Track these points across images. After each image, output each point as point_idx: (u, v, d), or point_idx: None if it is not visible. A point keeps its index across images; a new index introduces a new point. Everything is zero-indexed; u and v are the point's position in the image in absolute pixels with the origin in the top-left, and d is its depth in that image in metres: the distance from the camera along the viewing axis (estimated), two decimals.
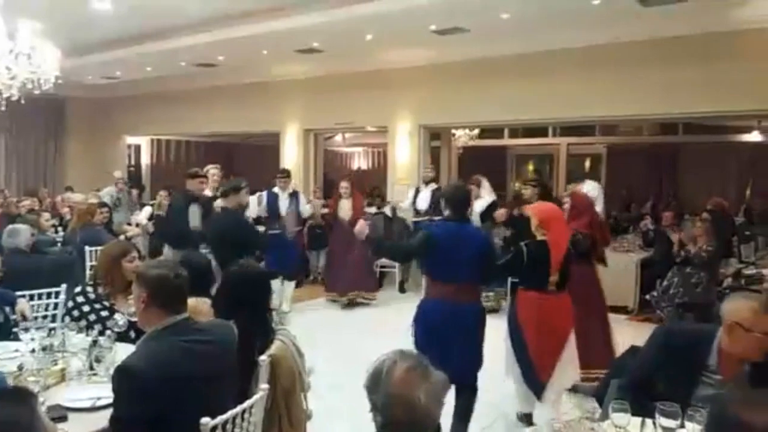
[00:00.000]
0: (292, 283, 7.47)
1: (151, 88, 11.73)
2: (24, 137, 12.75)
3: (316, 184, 10.76)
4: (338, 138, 15.41)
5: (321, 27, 7.44)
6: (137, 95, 12.31)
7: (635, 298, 7.37)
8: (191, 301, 3.02)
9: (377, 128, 10.54)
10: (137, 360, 2.22)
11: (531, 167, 14.96)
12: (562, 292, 4.09)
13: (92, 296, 3.45)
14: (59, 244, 6.53)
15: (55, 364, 2.85)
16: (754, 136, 11.95)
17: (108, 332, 3.07)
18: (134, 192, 10.09)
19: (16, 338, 3.26)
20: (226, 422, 2.29)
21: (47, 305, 4.21)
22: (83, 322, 3.29)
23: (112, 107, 13.09)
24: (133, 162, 14.44)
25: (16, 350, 3.07)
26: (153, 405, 2.14)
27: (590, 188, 5.68)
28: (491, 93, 8.50)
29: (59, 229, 7.64)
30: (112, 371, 2.64)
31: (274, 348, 2.82)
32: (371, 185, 10.66)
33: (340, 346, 5.91)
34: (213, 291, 3.29)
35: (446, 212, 4.00)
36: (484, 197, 7.20)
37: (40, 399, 1.89)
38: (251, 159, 14.80)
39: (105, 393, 2.45)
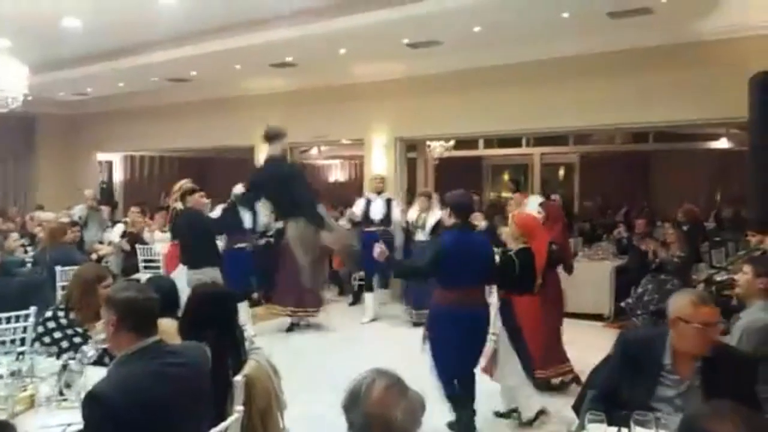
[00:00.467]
0: (244, 304, 6.74)
1: (123, 104, 11.62)
2: None
3: None
4: (314, 151, 15.39)
5: (295, 41, 7.44)
6: (109, 111, 12.18)
7: (610, 305, 7.44)
8: (159, 323, 2.99)
9: (353, 141, 10.55)
10: (107, 386, 2.16)
11: (506, 177, 15.10)
12: (536, 295, 4.53)
13: (64, 321, 3.32)
14: (29, 264, 6.39)
15: (24, 390, 2.78)
16: (723, 143, 12.19)
17: (79, 356, 3.00)
18: (105, 209, 9.92)
19: None
20: None
21: (15, 329, 4.10)
22: (54, 349, 3.20)
23: (84, 124, 12.93)
24: (105, 179, 14.25)
25: None
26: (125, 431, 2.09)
27: (533, 202, 5.89)
28: (465, 104, 8.57)
29: (29, 248, 7.48)
30: (83, 396, 2.59)
31: (249, 368, 2.79)
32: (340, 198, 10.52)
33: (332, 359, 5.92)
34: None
35: (451, 220, 4.14)
36: (434, 211, 7.29)
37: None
38: (226, 174, 14.65)
39: (76, 419, 2.38)
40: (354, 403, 1.70)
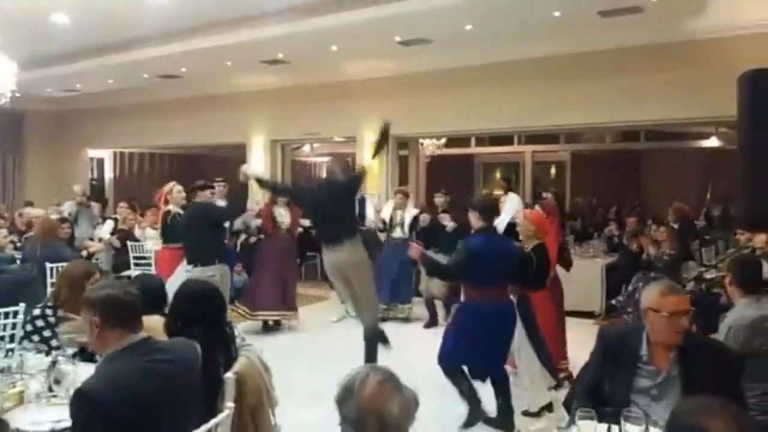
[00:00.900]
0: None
1: (113, 101, 11.56)
2: None
3: None
4: (306, 148, 15.37)
5: (286, 38, 7.43)
6: (99, 108, 12.11)
7: (601, 302, 7.47)
8: (145, 320, 2.97)
9: (345, 138, 10.54)
10: (96, 383, 2.14)
11: (498, 175, 15.13)
12: (547, 290, 4.78)
13: (53, 319, 3.29)
14: (18, 261, 6.35)
15: (13, 387, 2.76)
16: (713, 142, 12.27)
17: (69, 352, 2.98)
18: (95, 206, 9.87)
19: None
20: None
21: (4, 325, 4.07)
22: (44, 347, 3.17)
23: (73, 120, 12.85)
24: (95, 175, 14.17)
25: None
26: (115, 430, 2.07)
27: (513, 200, 5.96)
28: (457, 103, 8.59)
29: (18, 245, 7.43)
30: (71, 393, 2.58)
31: (240, 365, 2.78)
32: None
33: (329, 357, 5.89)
34: None
35: (479, 223, 4.25)
36: (410, 209, 7.49)
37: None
38: (217, 171, 14.61)
39: (65, 415, 2.36)
40: (348, 397, 1.71)
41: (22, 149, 13.05)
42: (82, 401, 2.08)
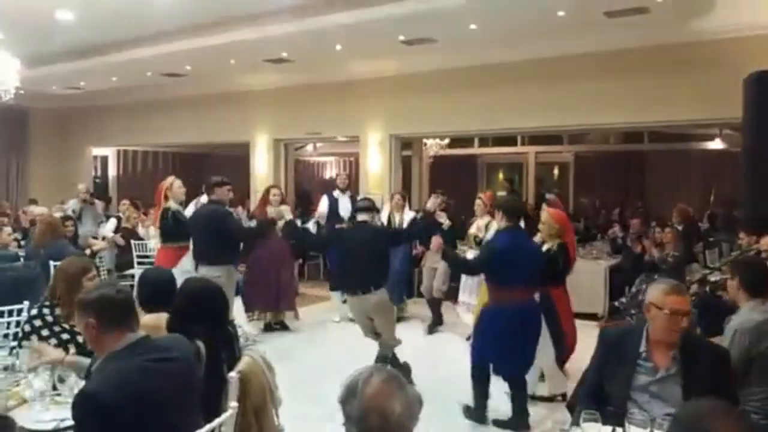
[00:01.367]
0: (237, 300, 6.65)
1: (117, 99, 11.56)
2: None
3: (288, 196, 10.64)
4: (309, 147, 15.37)
5: (290, 37, 7.42)
6: (103, 105, 12.11)
7: (605, 304, 7.46)
8: (152, 317, 2.97)
9: (348, 138, 10.54)
10: (98, 385, 2.12)
11: (501, 175, 15.12)
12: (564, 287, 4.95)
13: (50, 319, 3.25)
14: (22, 259, 6.35)
15: (17, 385, 2.76)
16: (717, 144, 12.24)
17: (72, 350, 2.98)
18: (99, 204, 9.88)
19: None
20: None
21: (8, 323, 4.07)
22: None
23: (77, 118, 12.86)
24: (99, 173, 14.18)
25: None
26: (118, 430, 2.06)
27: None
28: (460, 103, 8.58)
29: (22, 242, 7.44)
30: (76, 391, 2.57)
31: (243, 364, 2.78)
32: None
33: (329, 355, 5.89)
34: None
35: (503, 223, 4.32)
36: (407, 211, 7.59)
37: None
38: (221, 169, 14.58)
39: (69, 414, 2.37)
40: (351, 396, 1.71)
41: (27, 147, 13.06)
42: (84, 403, 2.07)
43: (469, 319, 6.23)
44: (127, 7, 6.78)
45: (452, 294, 7.08)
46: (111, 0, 6.53)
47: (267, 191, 7.24)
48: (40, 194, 11.42)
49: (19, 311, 4.10)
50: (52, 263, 6.01)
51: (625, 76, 7.38)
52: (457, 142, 13.01)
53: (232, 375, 2.67)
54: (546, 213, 5.00)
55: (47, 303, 3.34)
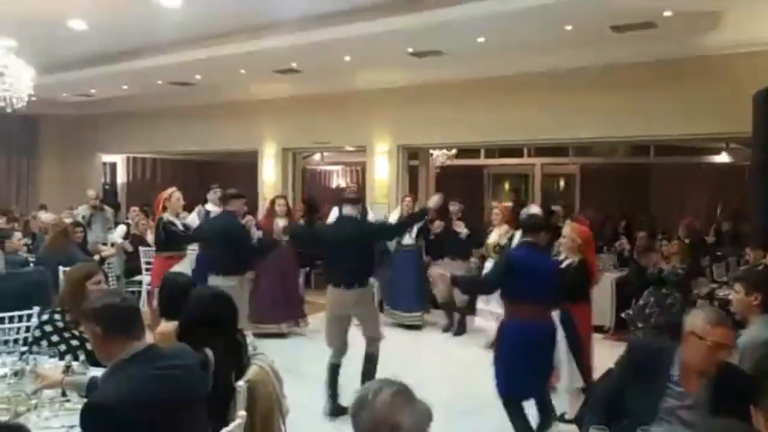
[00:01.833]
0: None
1: (127, 106, 11.65)
2: None
3: (295, 205, 10.65)
4: (316, 156, 15.42)
5: (299, 48, 7.48)
6: (113, 113, 12.21)
7: (611, 317, 7.44)
8: (169, 325, 2.99)
9: (356, 148, 10.58)
10: (105, 395, 2.13)
11: (507, 186, 15.12)
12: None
13: (61, 324, 3.28)
14: (32, 264, 6.39)
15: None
16: (723, 158, 12.22)
17: (81, 357, 3.01)
18: (109, 210, 9.94)
19: None
20: None
21: (18, 329, 4.11)
22: (53, 352, 3.19)
23: (87, 125, 12.95)
24: (108, 180, 14.26)
25: None
26: None
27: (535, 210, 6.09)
28: (468, 114, 8.61)
29: (31, 248, 7.49)
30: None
31: (251, 373, 2.80)
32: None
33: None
34: None
35: (523, 238, 4.36)
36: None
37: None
38: (228, 178, 14.69)
39: (78, 421, 2.39)
40: (361, 409, 1.71)
41: (37, 153, 13.17)
42: (93, 414, 2.07)
43: (488, 326, 6.31)
44: (139, 17, 6.85)
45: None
46: (123, 10, 6.60)
47: (272, 202, 7.35)
48: (50, 200, 11.48)
49: (29, 316, 4.14)
50: (61, 269, 6.07)
51: (633, 90, 7.40)
52: (463, 152, 13.04)
53: (240, 384, 2.69)
54: (569, 227, 4.97)
55: (58, 309, 3.37)
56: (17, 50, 6.49)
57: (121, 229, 8.44)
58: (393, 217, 7.80)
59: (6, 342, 3.78)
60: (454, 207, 7.63)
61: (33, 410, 2.68)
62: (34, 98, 6.82)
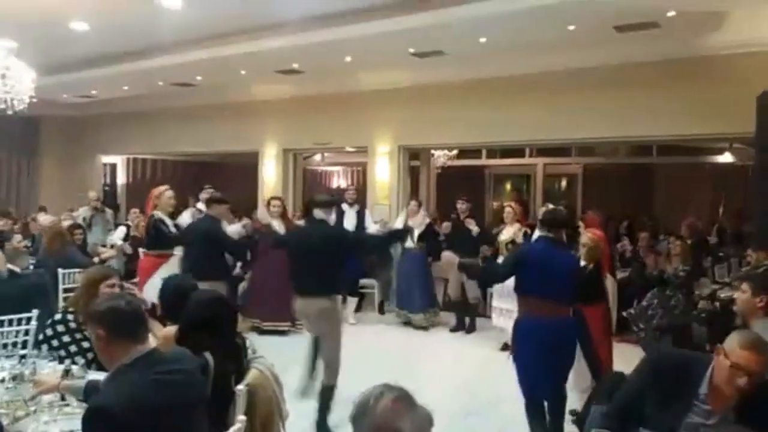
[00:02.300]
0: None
1: (128, 107, 11.65)
2: None
3: (296, 205, 10.65)
4: (317, 157, 15.41)
5: (301, 49, 7.46)
6: (113, 114, 12.20)
7: (614, 317, 7.39)
8: (170, 329, 2.97)
9: (357, 148, 10.57)
10: (108, 399, 2.12)
11: (509, 187, 15.10)
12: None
13: (73, 325, 3.26)
14: (32, 266, 6.38)
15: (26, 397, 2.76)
16: (726, 158, 12.20)
17: (81, 361, 2.99)
18: (109, 212, 9.92)
19: None
20: None
21: (17, 332, 4.08)
22: (62, 352, 3.17)
23: (88, 126, 12.95)
24: (108, 181, 14.25)
25: None
26: None
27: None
28: (469, 115, 8.59)
29: (31, 250, 7.46)
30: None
31: (251, 377, 2.78)
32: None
33: None
34: None
35: (542, 232, 4.30)
36: (422, 218, 7.87)
37: None
38: (229, 179, 14.70)
39: (77, 425, 2.37)
40: (362, 414, 1.69)
41: (37, 154, 13.15)
42: (96, 418, 2.06)
43: (503, 324, 6.30)
44: (140, 18, 6.84)
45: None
46: (125, 11, 6.59)
47: (268, 203, 7.39)
48: (50, 201, 11.47)
49: (29, 320, 4.12)
50: (61, 271, 6.06)
51: (636, 90, 7.37)
52: (465, 153, 13.04)
53: (240, 388, 2.67)
54: (587, 236, 4.94)
55: (71, 309, 3.36)
56: (18, 51, 6.48)
57: (121, 230, 8.42)
58: (398, 222, 7.83)
59: (5, 346, 3.75)
60: (462, 206, 7.69)
61: (32, 415, 2.66)
62: (34, 99, 6.80)
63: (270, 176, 10.76)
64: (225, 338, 2.89)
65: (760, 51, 6.58)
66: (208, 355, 2.72)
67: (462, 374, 5.95)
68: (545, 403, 4.10)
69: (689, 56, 7.00)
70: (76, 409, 2.63)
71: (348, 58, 7.97)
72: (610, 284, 7.52)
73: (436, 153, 11.97)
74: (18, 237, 6.52)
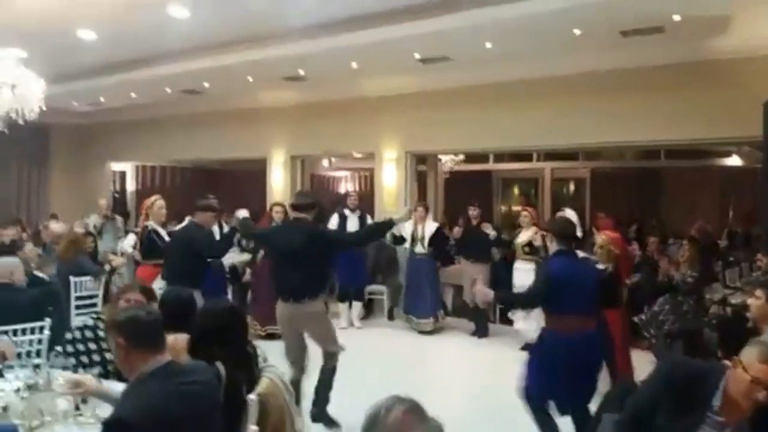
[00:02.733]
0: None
1: (136, 115, 11.70)
2: (6, 165, 12.56)
3: None
4: (324, 162, 15.44)
5: (307, 55, 7.49)
6: (122, 121, 12.26)
7: None
8: (169, 338, 2.99)
9: (364, 154, 10.58)
10: (129, 410, 2.14)
11: (516, 191, 15.09)
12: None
13: (102, 333, 3.25)
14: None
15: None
16: (734, 161, 12.15)
17: (95, 370, 3.01)
18: (120, 220, 9.97)
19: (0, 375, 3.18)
20: None
21: (30, 341, 4.11)
22: (85, 359, 3.19)
23: (97, 134, 13.02)
24: (117, 188, 14.33)
25: (0, 390, 2.99)
26: None
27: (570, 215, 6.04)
28: (476, 120, 8.59)
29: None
30: (98, 412, 2.60)
31: (262, 386, 2.79)
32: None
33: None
34: None
35: (556, 245, 4.15)
36: (428, 222, 7.98)
37: None
38: (237, 185, 14.76)
39: None
40: (373, 426, 1.70)
41: (47, 162, 13.21)
42: (115, 428, 2.08)
43: (524, 326, 6.31)
44: (148, 27, 6.88)
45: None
46: (132, 20, 6.64)
47: (270, 209, 7.43)
48: (60, 209, 11.53)
49: (41, 329, 4.15)
50: (72, 279, 6.11)
51: (643, 94, 7.37)
52: (472, 157, 13.03)
53: (252, 397, 2.68)
54: (603, 238, 4.94)
55: (103, 317, 3.36)
56: (27, 61, 6.53)
57: (131, 238, 8.40)
58: (407, 226, 7.83)
59: (19, 355, 3.77)
60: (474, 212, 7.84)
61: (46, 425, 2.69)
62: (44, 108, 6.85)
63: (278, 182, 10.79)
64: (236, 347, 2.90)
65: (765, 54, 6.56)
66: (219, 365, 2.73)
67: (471, 380, 5.96)
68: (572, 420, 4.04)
69: (695, 60, 6.99)
70: (90, 419, 2.66)
71: (354, 65, 7.99)
72: None
73: (444, 158, 11.98)
74: (30, 245, 6.58)
